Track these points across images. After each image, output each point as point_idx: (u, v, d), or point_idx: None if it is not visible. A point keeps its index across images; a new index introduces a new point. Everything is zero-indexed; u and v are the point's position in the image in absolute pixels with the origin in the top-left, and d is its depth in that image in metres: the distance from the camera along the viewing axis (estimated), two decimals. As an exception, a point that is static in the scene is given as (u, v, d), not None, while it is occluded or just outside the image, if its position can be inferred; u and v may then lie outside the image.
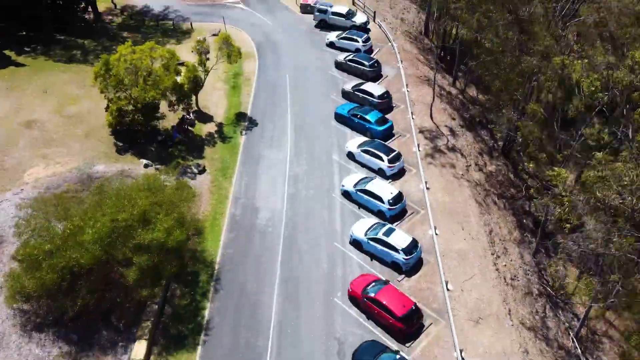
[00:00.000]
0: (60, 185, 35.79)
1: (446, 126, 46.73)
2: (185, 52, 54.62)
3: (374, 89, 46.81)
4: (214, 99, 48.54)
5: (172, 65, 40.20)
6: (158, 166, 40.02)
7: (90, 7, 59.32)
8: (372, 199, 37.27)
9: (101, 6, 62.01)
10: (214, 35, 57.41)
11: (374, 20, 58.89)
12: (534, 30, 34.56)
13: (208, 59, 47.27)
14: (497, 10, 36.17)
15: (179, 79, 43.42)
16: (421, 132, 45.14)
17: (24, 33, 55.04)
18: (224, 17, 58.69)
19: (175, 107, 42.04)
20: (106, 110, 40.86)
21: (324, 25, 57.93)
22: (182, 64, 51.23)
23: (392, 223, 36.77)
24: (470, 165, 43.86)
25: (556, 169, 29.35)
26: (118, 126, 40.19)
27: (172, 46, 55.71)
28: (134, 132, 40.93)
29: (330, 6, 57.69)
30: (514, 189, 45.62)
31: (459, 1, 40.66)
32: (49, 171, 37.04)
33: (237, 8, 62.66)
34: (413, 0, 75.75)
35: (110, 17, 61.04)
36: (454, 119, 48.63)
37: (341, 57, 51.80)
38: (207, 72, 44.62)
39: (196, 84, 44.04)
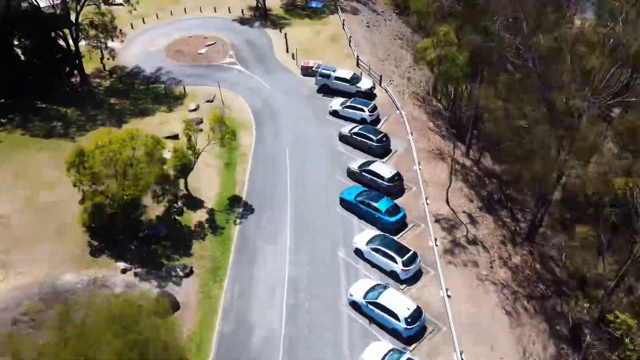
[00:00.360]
0: (19, 305, 29.80)
1: (464, 212, 40.97)
2: (177, 121, 49.33)
3: (384, 170, 41.19)
4: (205, 179, 42.83)
5: (156, 154, 34.57)
6: (138, 270, 34.11)
7: (76, 69, 54.20)
8: (385, 315, 31.26)
9: (89, 67, 56.93)
10: (208, 101, 52.28)
11: (380, 85, 53.74)
12: (574, 125, 29.09)
13: (201, 129, 42.02)
14: (530, 101, 30.57)
15: (167, 160, 38.15)
16: (437, 221, 39.33)
17: (2, 101, 49.89)
18: (219, 82, 53.58)
19: (161, 198, 36.33)
20: (80, 204, 35.14)
21: (326, 90, 52.75)
22: (175, 136, 46.22)
23: (409, 344, 30.71)
24: (494, 261, 37.96)
25: (620, 315, 23.53)
26: (93, 224, 34.41)
27: (163, 114, 50.66)
28: (111, 227, 35.14)
29: (334, 70, 52.56)
30: (542, 284, 39.58)
31: (480, 84, 35.39)
32: (8, 284, 31.07)
33: (234, 69, 57.57)
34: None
35: (98, 80, 55.86)
36: (471, 200, 42.95)
37: (346, 129, 46.39)
38: (197, 155, 39.05)
39: (185, 168, 38.50)
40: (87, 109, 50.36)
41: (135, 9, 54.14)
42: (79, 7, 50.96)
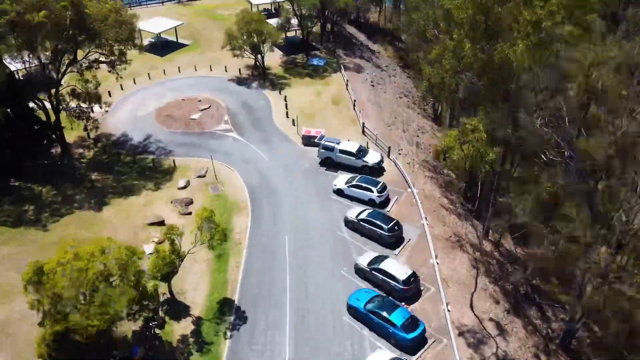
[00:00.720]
0: None
1: (491, 319, 34.84)
2: (164, 201, 43.69)
3: (397, 270, 35.12)
4: (192, 278, 36.72)
5: (131, 268, 28.53)
6: (105, 410, 27.77)
7: (56, 139, 48.59)
8: None
9: (72, 135, 51.38)
10: (199, 176, 46.62)
11: (388, 156, 48.26)
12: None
13: (190, 212, 36.10)
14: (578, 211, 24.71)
15: (146, 259, 32.47)
16: (461, 334, 33.17)
17: (-29, 179, 44.28)
18: (212, 153, 48.11)
19: (137, 315, 30.17)
20: (40, 326, 28.99)
21: (330, 163, 47.22)
22: (161, 222, 40.68)
23: None
24: (530, 386, 31.74)
25: None
26: (53, 354, 28.17)
27: (149, 192, 44.92)
28: (76, 349, 28.91)
29: (338, 142, 47.01)
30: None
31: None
32: None
33: (229, 137, 52.10)
34: (426, 115, 66.35)
35: (80, 151, 50.22)
36: (497, 301, 36.84)
37: (352, 213, 40.60)
38: (182, 258, 33.11)
39: (168, 274, 32.52)
40: (64, 187, 44.59)
41: (121, 77, 48.97)
42: (59, 75, 45.79)
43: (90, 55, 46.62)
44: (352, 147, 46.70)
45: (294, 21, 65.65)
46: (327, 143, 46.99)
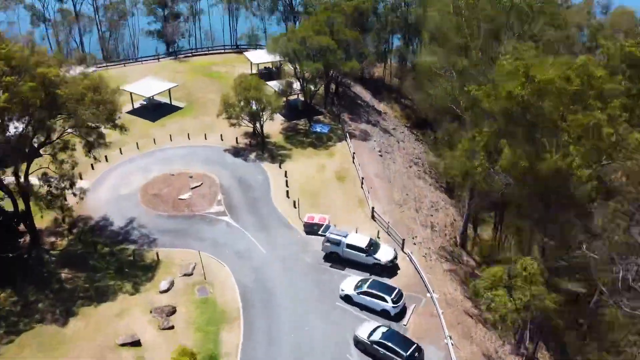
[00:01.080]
0: None
1: None
2: (141, 310, 36.62)
3: (422, 422, 28.00)
4: (169, 423, 29.49)
5: None
6: None
7: (23, 224, 41.77)
8: None
9: (46, 219, 44.27)
10: (185, 274, 39.68)
11: (402, 249, 41.47)
12: None
13: (172, 326, 29.05)
14: None
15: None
16: None
17: None
18: (201, 245, 41.42)
19: None
20: None
21: (336, 258, 40.39)
22: (135, 343, 33.64)
23: None
24: None
25: None
26: None
27: (125, 297, 38.06)
28: None
29: (345, 235, 40.08)
30: None
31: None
32: None
33: (222, 222, 45.27)
34: (438, 187, 59.92)
35: (52, 239, 43.34)
36: None
37: (364, 331, 33.38)
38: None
39: None
40: (27, 290, 37.63)
41: (99, 161, 42.64)
42: (29, 158, 39.46)
43: (65, 136, 40.30)
44: (362, 241, 39.86)
45: (296, 85, 59.84)
46: (332, 236, 40.13)
